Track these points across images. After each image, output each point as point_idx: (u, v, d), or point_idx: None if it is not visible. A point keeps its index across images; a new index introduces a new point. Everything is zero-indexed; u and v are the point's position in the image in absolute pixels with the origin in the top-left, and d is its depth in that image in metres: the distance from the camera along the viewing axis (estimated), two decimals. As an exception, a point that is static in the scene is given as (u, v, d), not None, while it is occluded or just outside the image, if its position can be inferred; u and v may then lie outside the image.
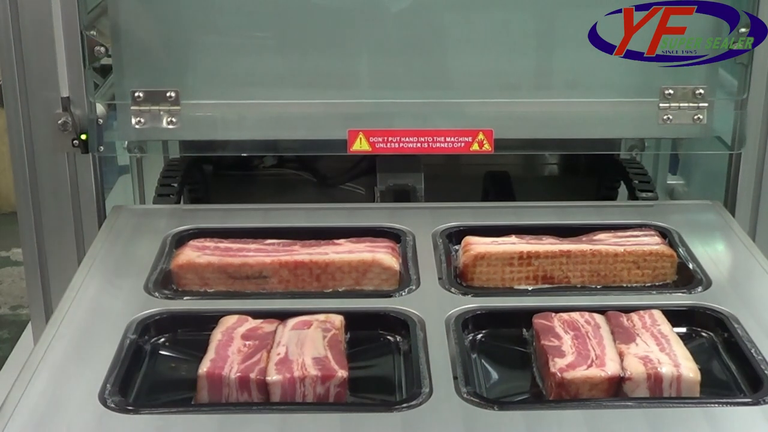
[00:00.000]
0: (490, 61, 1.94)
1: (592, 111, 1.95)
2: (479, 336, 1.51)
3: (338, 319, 1.47)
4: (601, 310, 1.50)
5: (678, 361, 1.37)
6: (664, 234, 1.75)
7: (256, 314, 1.49)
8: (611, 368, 1.35)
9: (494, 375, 1.45)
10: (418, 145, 1.91)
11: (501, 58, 1.94)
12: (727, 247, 1.81)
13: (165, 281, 1.62)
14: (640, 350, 1.39)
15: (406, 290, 1.59)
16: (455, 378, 1.36)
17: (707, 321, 1.53)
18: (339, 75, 1.94)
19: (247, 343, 1.41)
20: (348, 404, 1.35)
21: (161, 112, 1.90)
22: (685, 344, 1.42)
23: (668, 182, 2.44)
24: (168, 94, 1.89)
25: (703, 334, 1.52)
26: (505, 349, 1.50)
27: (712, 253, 1.72)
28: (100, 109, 1.91)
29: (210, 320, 1.48)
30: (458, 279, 1.64)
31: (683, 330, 1.51)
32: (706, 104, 1.92)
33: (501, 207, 1.97)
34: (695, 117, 1.92)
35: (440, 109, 1.95)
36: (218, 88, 1.93)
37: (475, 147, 1.91)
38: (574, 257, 1.64)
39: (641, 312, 1.50)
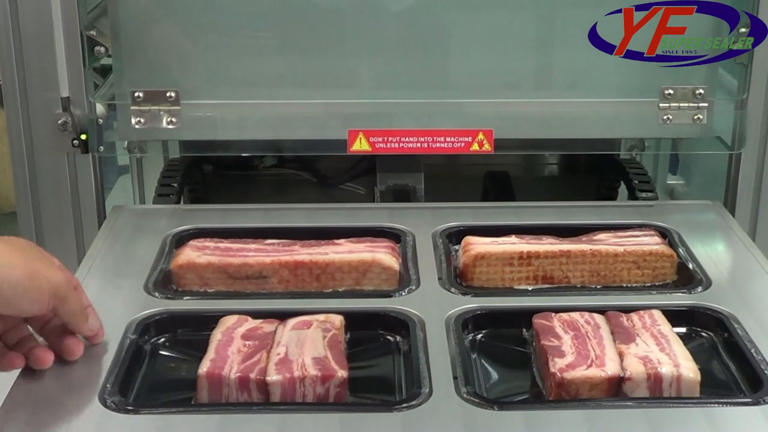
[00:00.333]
0: (490, 61, 1.94)
1: (592, 111, 1.95)
2: (479, 336, 1.51)
3: (338, 319, 1.47)
4: (601, 310, 1.50)
5: (678, 361, 1.36)
6: (664, 234, 1.75)
7: (256, 314, 1.48)
8: (611, 368, 1.35)
9: (494, 375, 1.44)
10: (418, 145, 1.91)
11: (501, 58, 1.94)
12: (727, 247, 1.81)
13: (165, 281, 1.62)
14: (640, 350, 1.39)
15: (406, 290, 1.59)
16: (455, 378, 1.35)
17: (707, 321, 1.52)
18: (339, 75, 1.94)
19: (247, 343, 1.41)
20: (348, 404, 1.35)
21: (161, 112, 1.90)
22: (685, 344, 1.42)
23: (668, 182, 2.44)
24: (168, 94, 1.89)
25: (703, 334, 1.52)
26: (505, 349, 1.50)
27: (712, 253, 1.72)
28: (100, 109, 1.91)
29: (210, 320, 1.47)
30: (458, 279, 1.64)
31: (683, 330, 1.50)
32: (706, 104, 1.92)
33: (501, 207, 1.96)
34: (695, 117, 1.92)
35: (440, 109, 1.95)
36: (218, 88, 1.93)
37: (475, 147, 1.91)
38: (574, 257, 1.64)
39: (641, 312, 1.49)
